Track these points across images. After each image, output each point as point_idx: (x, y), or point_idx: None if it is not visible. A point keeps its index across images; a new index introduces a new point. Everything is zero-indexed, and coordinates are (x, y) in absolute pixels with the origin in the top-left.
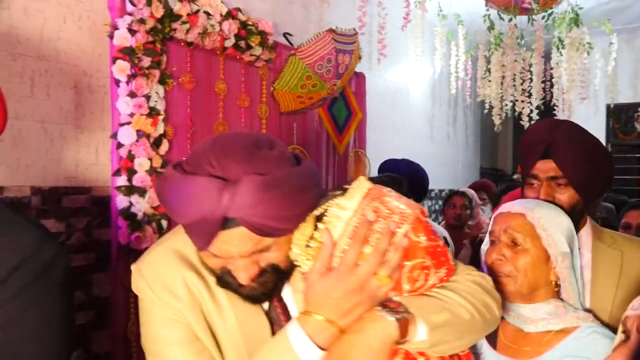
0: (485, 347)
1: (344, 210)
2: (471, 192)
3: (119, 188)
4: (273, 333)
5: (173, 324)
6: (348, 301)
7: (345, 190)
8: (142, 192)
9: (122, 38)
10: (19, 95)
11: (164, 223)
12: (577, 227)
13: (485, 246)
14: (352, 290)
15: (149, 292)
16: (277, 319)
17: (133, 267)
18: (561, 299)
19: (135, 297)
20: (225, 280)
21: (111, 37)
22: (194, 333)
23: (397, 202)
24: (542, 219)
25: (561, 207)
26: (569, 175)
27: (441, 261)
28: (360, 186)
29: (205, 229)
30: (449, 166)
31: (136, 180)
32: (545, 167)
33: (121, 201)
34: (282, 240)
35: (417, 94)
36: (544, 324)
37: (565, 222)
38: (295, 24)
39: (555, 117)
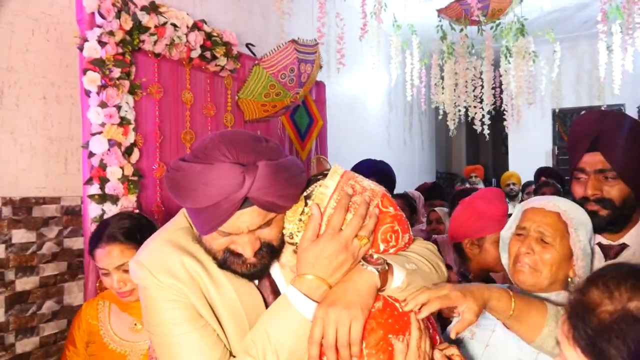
0: (498, 325)
1: (327, 188)
2: (416, 194)
3: (91, 196)
4: (266, 305)
5: (176, 305)
6: (336, 259)
7: (325, 175)
8: (114, 199)
9: (92, 50)
10: None
11: None
12: (628, 222)
13: (507, 233)
14: (338, 249)
15: (152, 278)
16: (267, 293)
17: (131, 262)
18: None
19: None
20: (227, 260)
21: (81, 49)
22: (196, 311)
23: (368, 182)
24: (574, 220)
25: (611, 201)
26: (618, 167)
27: (405, 228)
28: (337, 170)
29: (225, 209)
30: (406, 171)
31: (108, 189)
32: (593, 160)
33: (94, 209)
34: (278, 218)
35: (374, 101)
36: None
37: (589, 223)
38: (256, 35)
39: (595, 108)
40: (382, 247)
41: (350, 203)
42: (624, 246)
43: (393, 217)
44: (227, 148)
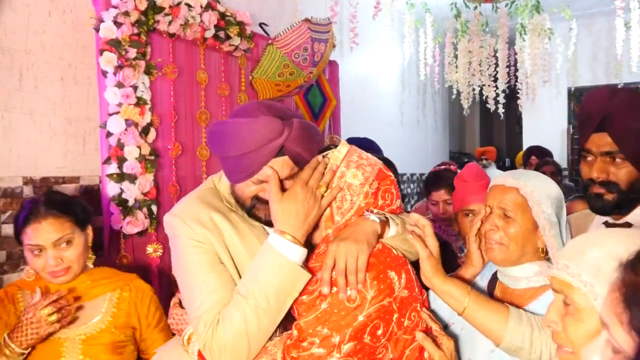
0: None
1: (340, 153)
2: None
3: (110, 175)
4: None
5: (202, 250)
6: (307, 203)
7: (335, 146)
8: (132, 178)
9: (108, 30)
10: (8, 88)
11: (154, 208)
12: (636, 204)
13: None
14: (305, 196)
15: (184, 226)
16: None
17: (166, 216)
18: (548, 260)
19: None
20: (255, 207)
21: (97, 29)
22: (217, 258)
23: (368, 154)
24: (534, 192)
25: (617, 184)
26: (625, 150)
27: (398, 194)
28: (344, 144)
29: (264, 154)
30: (419, 150)
31: (126, 168)
32: (600, 141)
33: (112, 188)
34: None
35: (387, 80)
36: (526, 281)
37: (554, 192)
38: (269, 14)
39: (611, 87)
40: (380, 202)
41: (360, 164)
42: (627, 225)
43: (392, 182)
44: (266, 107)
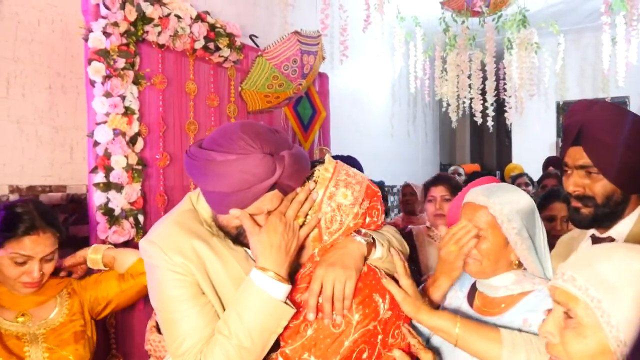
0: (464, 306)
1: (327, 172)
2: (418, 186)
3: (96, 185)
4: None
5: (182, 283)
6: (286, 235)
7: (320, 163)
8: (119, 188)
9: (97, 40)
10: None
11: (141, 218)
12: (617, 218)
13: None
14: (284, 229)
15: (164, 256)
16: None
17: (143, 242)
18: (523, 269)
19: None
20: (241, 235)
21: (86, 39)
22: (199, 289)
23: (354, 169)
24: (504, 209)
25: (593, 198)
26: (599, 163)
27: (383, 210)
28: (331, 161)
29: (255, 193)
30: (409, 162)
31: (113, 177)
32: (576, 155)
33: (99, 197)
34: None
35: (377, 93)
36: (504, 290)
37: (525, 205)
38: (259, 26)
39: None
40: (367, 220)
41: (348, 182)
42: (611, 239)
43: (378, 198)
44: (252, 139)
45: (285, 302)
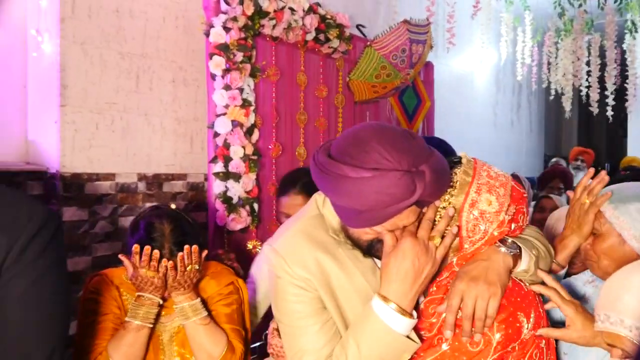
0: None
1: (468, 177)
2: (525, 179)
3: (216, 174)
4: None
5: (303, 298)
6: (417, 261)
7: (455, 162)
8: (237, 177)
9: (218, 35)
10: (127, 90)
11: (256, 206)
12: None
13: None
14: (415, 254)
15: (286, 268)
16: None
17: (267, 249)
18: None
19: None
20: (374, 247)
21: (207, 34)
22: (321, 305)
23: (496, 168)
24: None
25: None
26: None
27: (529, 212)
28: (468, 161)
29: (391, 212)
30: (513, 153)
31: (231, 167)
32: None
33: (218, 186)
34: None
35: (481, 81)
36: None
37: None
38: (366, 15)
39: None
40: (513, 226)
41: (491, 185)
42: None
43: (524, 199)
44: (387, 151)
45: (408, 337)
